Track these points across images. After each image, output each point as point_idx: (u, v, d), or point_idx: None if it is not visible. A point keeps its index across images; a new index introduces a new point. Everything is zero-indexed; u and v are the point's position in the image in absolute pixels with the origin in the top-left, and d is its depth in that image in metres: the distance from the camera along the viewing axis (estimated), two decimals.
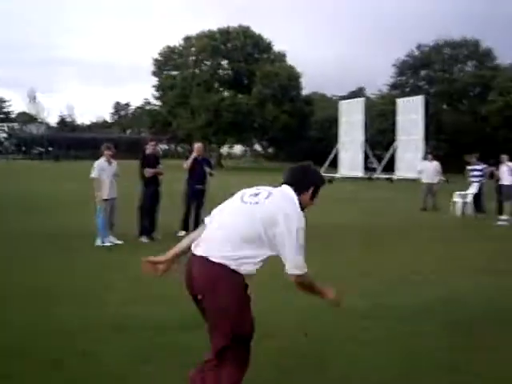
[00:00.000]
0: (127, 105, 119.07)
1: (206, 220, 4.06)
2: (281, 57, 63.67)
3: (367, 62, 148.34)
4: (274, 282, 6.78)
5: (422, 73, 66.81)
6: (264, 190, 3.92)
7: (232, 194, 4.04)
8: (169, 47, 64.29)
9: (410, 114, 45.49)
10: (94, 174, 11.47)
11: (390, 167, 46.12)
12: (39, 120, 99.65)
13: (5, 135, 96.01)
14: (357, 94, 71.06)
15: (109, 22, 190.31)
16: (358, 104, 49.63)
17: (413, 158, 42.91)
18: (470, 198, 19.71)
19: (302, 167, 4.19)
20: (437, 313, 7.02)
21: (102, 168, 11.51)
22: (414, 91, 57.41)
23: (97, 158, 11.97)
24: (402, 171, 44.15)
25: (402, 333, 6.24)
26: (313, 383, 4.88)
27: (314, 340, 5.93)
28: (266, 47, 63.98)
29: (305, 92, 67.07)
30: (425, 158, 25.59)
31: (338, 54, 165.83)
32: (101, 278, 8.65)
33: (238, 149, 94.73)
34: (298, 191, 3.92)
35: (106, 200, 11.52)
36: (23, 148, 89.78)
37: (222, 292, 3.64)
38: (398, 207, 21.33)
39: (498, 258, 11.17)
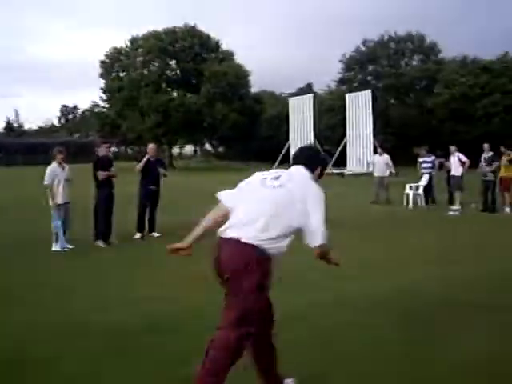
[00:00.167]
0: (75, 108, 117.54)
1: (223, 197, 4.24)
2: (229, 55, 63.52)
3: (314, 58, 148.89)
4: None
5: (370, 68, 67.44)
6: (282, 172, 4.23)
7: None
8: (115, 49, 63.42)
9: (359, 108, 45.91)
10: (47, 181, 11.29)
11: (341, 162, 46.48)
12: None
13: None
14: (305, 90, 71.16)
15: (54, 24, 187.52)
16: (307, 100, 49.87)
17: (363, 153, 43.39)
18: (421, 190, 20.04)
19: (311, 149, 4.69)
20: (390, 304, 7.10)
21: (54, 173, 11.35)
22: (362, 86, 57.95)
23: (48, 163, 11.79)
24: (353, 166, 44.55)
25: (357, 325, 6.30)
26: None
27: None
28: (214, 46, 63.72)
29: (254, 90, 67.17)
30: (376, 152, 25.91)
31: (285, 52, 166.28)
32: (60, 284, 8.53)
33: (188, 149, 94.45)
34: (310, 170, 4.26)
35: (60, 205, 11.38)
36: None
37: (251, 271, 3.86)
38: (349, 201, 21.49)
39: (450, 249, 11.38)
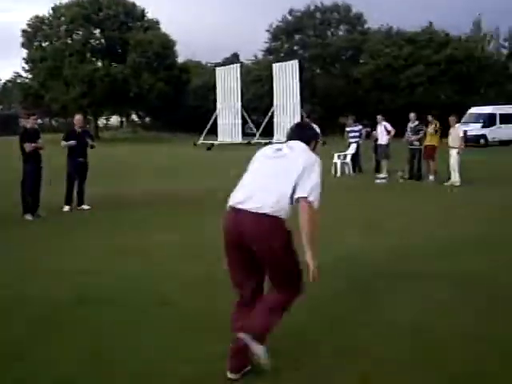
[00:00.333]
0: None
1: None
2: (154, 24, 62.61)
3: (240, 28, 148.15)
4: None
5: (296, 38, 67.71)
6: (282, 145, 4.57)
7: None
8: (37, 17, 61.52)
9: (286, 78, 46.07)
10: None
11: (268, 132, 46.63)
12: None
13: None
14: (232, 60, 70.89)
15: None
16: (234, 70, 49.66)
17: (290, 123, 43.59)
18: (349, 159, 20.36)
19: (304, 126, 5.09)
20: (328, 274, 7.24)
21: None
22: (289, 56, 58.13)
23: None
24: (281, 136, 44.75)
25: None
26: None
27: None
28: (140, 15, 62.69)
29: (180, 60, 66.51)
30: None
31: (211, 21, 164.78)
32: None
33: (114, 120, 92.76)
34: (306, 144, 4.55)
35: None
36: None
37: (279, 238, 4.24)
38: None
39: (381, 217, 11.61)
